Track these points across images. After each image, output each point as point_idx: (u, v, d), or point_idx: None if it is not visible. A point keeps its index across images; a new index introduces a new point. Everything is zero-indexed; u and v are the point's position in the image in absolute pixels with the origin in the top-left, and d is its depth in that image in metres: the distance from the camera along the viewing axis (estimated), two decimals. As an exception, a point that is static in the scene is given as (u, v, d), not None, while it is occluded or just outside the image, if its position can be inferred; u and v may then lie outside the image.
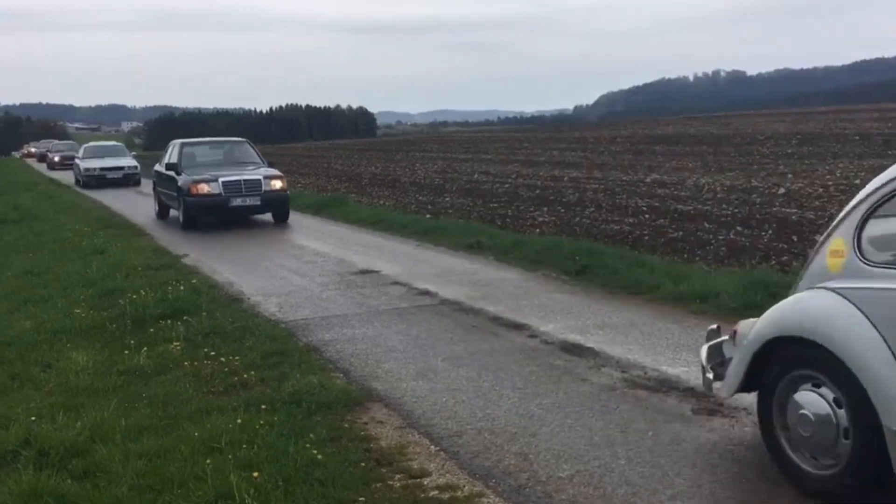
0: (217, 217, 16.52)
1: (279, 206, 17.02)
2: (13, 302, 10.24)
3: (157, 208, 19.41)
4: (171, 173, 17.27)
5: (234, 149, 18.98)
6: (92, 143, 36.00)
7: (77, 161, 33.38)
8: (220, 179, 16.23)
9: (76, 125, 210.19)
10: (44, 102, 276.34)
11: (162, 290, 9.31)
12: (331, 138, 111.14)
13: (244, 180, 16.39)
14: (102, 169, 31.15)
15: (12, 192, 29.86)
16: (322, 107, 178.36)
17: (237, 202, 16.23)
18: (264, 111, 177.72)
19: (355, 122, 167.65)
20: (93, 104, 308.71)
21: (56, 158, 47.95)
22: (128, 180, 30.89)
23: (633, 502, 4.17)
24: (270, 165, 18.06)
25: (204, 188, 16.16)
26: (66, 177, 36.31)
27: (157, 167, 19.29)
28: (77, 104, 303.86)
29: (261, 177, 16.65)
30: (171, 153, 18.34)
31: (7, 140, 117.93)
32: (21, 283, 11.47)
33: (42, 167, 52.01)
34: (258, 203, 16.50)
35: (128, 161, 32.25)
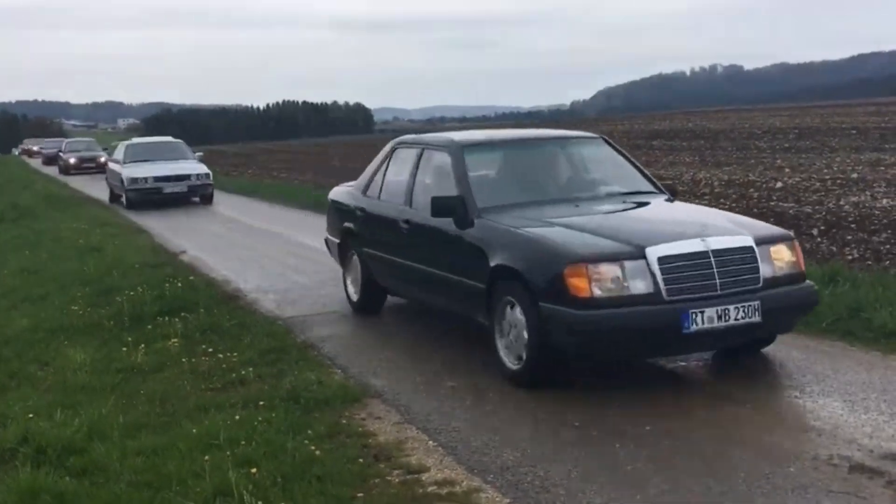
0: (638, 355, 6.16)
1: (790, 319, 6.04)
2: (10, 300, 10.25)
3: (357, 290, 8.41)
4: (453, 231, 6.52)
5: (576, 155, 7.60)
6: (137, 141, 24.93)
7: (115, 167, 22.22)
8: (652, 251, 5.43)
9: (72, 122, 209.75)
10: (40, 100, 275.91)
11: (159, 288, 9.30)
12: (328, 135, 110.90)
13: (716, 252, 5.49)
14: (158, 179, 20.71)
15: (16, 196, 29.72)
16: (319, 103, 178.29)
17: (710, 321, 5.37)
18: (262, 107, 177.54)
19: (353, 119, 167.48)
20: (89, 101, 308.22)
21: (72, 160, 38.71)
22: (193, 194, 21.21)
23: (631, 495, 4.17)
24: (673, 193, 7.23)
25: (606, 276, 5.41)
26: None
27: (367, 201, 8.15)
28: (73, 101, 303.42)
29: (750, 242, 5.64)
30: (449, 165, 7.00)
31: (4, 138, 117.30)
32: (18, 281, 11.46)
33: (45, 169, 45.98)
34: (758, 320, 5.47)
35: (194, 167, 21.60)
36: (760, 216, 13.16)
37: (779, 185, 17.20)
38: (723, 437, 4.83)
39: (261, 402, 5.63)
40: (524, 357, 5.78)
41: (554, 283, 5.48)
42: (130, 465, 4.71)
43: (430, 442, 5.03)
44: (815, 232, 11.54)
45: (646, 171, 7.50)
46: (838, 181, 17.07)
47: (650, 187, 7.25)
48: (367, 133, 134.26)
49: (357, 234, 8.33)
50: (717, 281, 5.47)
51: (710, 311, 5.38)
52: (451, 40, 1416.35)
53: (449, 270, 6.67)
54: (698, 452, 4.60)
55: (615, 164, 7.58)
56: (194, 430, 5.13)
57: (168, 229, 16.30)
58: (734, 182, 18.31)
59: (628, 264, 5.43)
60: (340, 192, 9.10)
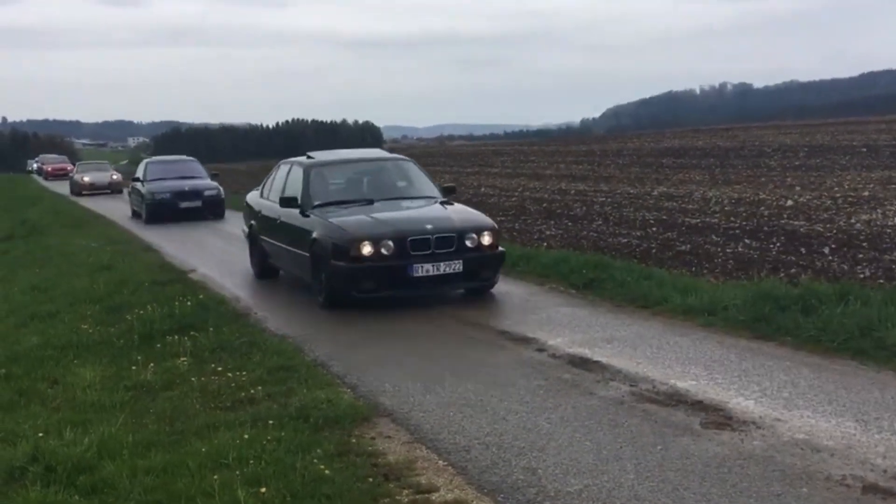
0: None
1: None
2: (20, 317, 10.28)
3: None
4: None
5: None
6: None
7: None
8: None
9: (83, 141, 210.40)
10: (50, 119, 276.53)
11: (169, 306, 9.32)
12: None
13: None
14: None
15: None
16: (328, 121, 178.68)
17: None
18: (271, 126, 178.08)
19: (362, 137, 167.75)
20: (99, 120, 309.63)
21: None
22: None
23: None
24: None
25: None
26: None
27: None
28: (83, 120, 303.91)
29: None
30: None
31: (14, 156, 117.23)
32: (28, 299, 11.51)
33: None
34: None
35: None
36: (771, 234, 13.16)
37: (789, 202, 17.17)
38: (732, 455, 4.81)
39: (270, 421, 5.62)
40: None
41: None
42: (140, 483, 4.71)
43: (440, 461, 5.01)
44: (826, 250, 11.50)
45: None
46: (849, 199, 17.03)
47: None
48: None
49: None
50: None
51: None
52: (460, 58, 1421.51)
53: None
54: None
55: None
56: (203, 449, 5.12)
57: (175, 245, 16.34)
58: (744, 200, 18.28)
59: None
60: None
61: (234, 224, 18.74)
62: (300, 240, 10.09)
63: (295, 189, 10.69)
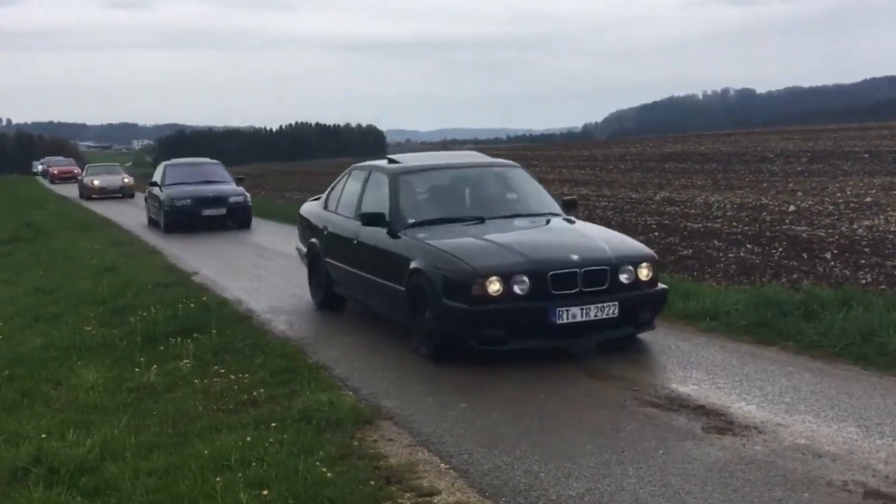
0: None
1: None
2: (24, 319, 10.29)
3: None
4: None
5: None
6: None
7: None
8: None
9: (87, 143, 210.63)
10: (55, 121, 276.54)
11: (172, 308, 9.33)
12: (340, 156, 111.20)
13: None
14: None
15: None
16: (332, 125, 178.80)
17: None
18: (275, 129, 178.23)
19: (366, 140, 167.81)
20: (104, 122, 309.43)
21: None
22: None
23: None
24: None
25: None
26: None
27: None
28: (89, 123, 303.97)
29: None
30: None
31: (20, 158, 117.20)
32: (32, 301, 11.52)
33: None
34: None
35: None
36: (773, 239, 13.16)
37: (791, 208, 17.17)
38: (734, 460, 4.81)
39: (272, 423, 5.63)
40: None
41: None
42: (142, 485, 4.72)
43: (442, 465, 5.02)
44: (828, 256, 11.51)
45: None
46: (851, 205, 17.04)
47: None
48: (379, 154, 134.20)
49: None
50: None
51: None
52: (463, 63, 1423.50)
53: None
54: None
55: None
56: (206, 451, 5.13)
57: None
58: (746, 205, 18.28)
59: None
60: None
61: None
62: (392, 269, 7.83)
63: (379, 203, 8.44)
